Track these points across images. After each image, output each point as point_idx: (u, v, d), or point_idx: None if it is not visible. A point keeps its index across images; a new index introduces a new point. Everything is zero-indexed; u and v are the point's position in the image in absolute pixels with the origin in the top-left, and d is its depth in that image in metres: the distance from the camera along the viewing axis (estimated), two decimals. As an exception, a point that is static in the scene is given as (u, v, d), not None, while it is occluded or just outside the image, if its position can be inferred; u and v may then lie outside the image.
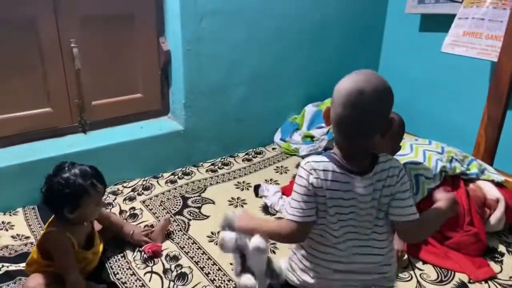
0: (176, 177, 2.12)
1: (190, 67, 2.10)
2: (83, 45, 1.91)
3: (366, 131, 1.01)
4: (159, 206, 1.88)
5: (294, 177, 2.09)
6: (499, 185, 1.74)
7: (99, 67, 2.01)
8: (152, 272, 1.50)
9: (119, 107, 2.12)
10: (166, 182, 2.07)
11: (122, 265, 1.52)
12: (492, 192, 1.68)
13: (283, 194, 1.94)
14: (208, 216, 1.82)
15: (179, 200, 1.93)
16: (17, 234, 1.67)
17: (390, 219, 1.07)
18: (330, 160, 1.04)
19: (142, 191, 1.99)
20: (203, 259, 1.57)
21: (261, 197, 1.96)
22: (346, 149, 1.04)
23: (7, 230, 1.69)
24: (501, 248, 1.64)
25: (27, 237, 1.66)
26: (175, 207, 1.88)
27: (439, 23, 2.27)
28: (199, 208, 1.88)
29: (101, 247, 1.48)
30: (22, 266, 1.49)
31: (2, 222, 1.73)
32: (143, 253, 1.56)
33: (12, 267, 1.48)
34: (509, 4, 1.85)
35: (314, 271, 1.10)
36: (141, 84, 2.15)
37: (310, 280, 1.10)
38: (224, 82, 2.21)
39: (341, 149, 1.05)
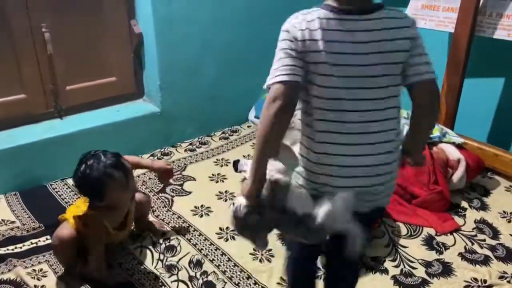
0: (155, 158, 2.17)
1: (163, 49, 2.13)
2: (55, 30, 1.90)
3: None
4: (141, 186, 1.92)
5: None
6: (459, 147, 1.89)
7: (72, 52, 2.00)
8: (142, 246, 1.56)
9: (93, 91, 2.13)
10: (146, 163, 2.11)
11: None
12: (453, 154, 1.83)
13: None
14: (190, 192, 1.89)
15: (161, 179, 1.98)
16: (2, 220, 1.68)
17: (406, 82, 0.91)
18: (318, 8, 0.90)
19: (123, 172, 2.03)
20: (189, 231, 1.64)
21: (240, 171, 2.03)
22: None
23: (-9, 217, 1.70)
24: (464, 203, 1.80)
25: (13, 222, 1.67)
26: (157, 186, 1.92)
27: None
28: (181, 185, 1.94)
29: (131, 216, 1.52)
30: (11, 249, 1.52)
31: (-15, 209, 1.74)
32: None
33: (1, 250, 1.51)
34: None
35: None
36: (115, 67, 2.16)
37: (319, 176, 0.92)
38: (198, 62, 2.25)
39: None
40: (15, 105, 1.93)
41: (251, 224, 0.90)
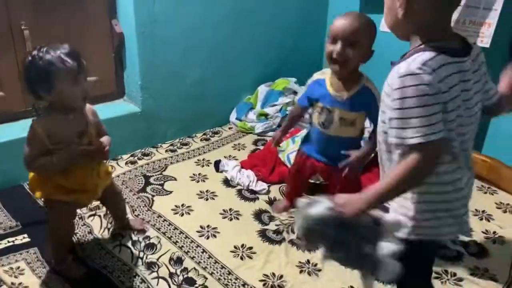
0: (136, 158, 2.16)
1: (145, 49, 2.13)
2: (35, 28, 1.89)
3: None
4: (121, 185, 1.91)
5: (252, 152, 2.21)
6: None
7: (52, 50, 1.99)
8: (121, 245, 1.55)
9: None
10: (126, 163, 2.10)
11: (90, 241, 1.57)
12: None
13: (242, 167, 2.04)
14: (171, 192, 1.89)
15: (141, 178, 1.98)
16: (-23, 219, 1.65)
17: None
18: (437, 51, 0.86)
19: (103, 172, 2.02)
20: (169, 229, 1.65)
21: (221, 171, 2.05)
22: (442, 26, 0.90)
23: (-35, 216, 1.66)
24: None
25: (-11, 221, 1.64)
26: (138, 185, 1.92)
27: (378, 4, 2.44)
28: (162, 185, 1.94)
29: (108, 168, 1.45)
30: (-14, 247, 1.50)
31: (-41, 208, 1.70)
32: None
33: (-24, 249, 1.48)
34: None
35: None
36: (96, 67, 2.14)
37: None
38: (179, 63, 2.26)
39: (435, 30, 0.90)
40: (-8, 103, 1.91)
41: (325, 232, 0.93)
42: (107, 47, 2.17)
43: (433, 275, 1.45)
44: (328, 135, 1.53)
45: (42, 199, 1.35)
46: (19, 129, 1.93)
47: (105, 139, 1.37)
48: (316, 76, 1.60)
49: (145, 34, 2.10)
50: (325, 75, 1.55)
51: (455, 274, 1.47)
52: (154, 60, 2.18)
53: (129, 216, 1.67)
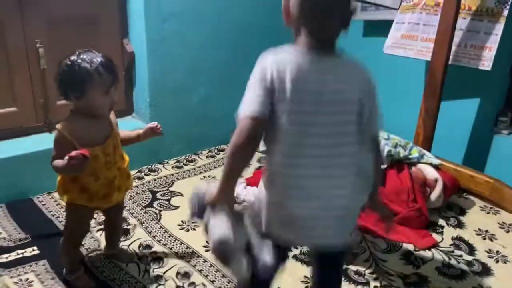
0: (143, 174, 2.20)
1: (154, 67, 2.20)
2: (49, 46, 1.96)
3: (336, 19, 0.95)
4: (128, 200, 1.94)
5: (257, 169, 2.24)
6: (436, 168, 1.99)
7: (64, 68, 2.05)
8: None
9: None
10: (133, 179, 2.13)
11: (98, 254, 1.59)
12: (431, 173, 1.92)
13: (247, 184, 2.07)
14: (178, 207, 1.92)
15: (148, 194, 2.01)
16: (-13, 231, 1.68)
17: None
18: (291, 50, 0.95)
19: (110, 187, 2.05)
20: (176, 244, 1.67)
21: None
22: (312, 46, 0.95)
23: (-24, 228, 1.69)
24: (441, 221, 1.87)
25: (-1, 233, 1.67)
26: (145, 200, 1.95)
27: (380, 28, 2.52)
28: (169, 200, 1.97)
29: (123, 165, 1.43)
30: (-4, 259, 1.52)
31: (-30, 221, 1.73)
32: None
33: (-13, 260, 1.51)
34: (439, 11, 2.12)
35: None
36: (106, 84, 2.21)
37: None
38: (187, 81, 2.32)
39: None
40: (5, 117, 1.96)
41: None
42: (118, 65, 2.22)
43: (437, 292, 1.47)
44: None
45: (65, 203, 1.37)
46: (31, 144, 1.98)
47: (125, 134, 1.48)
48: None
49: (154, 52, 2.17)
50: None
51: (458, 292, 1.48)
52: (162, 79, 2.24)
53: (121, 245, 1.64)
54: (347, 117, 0.95)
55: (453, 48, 2.06)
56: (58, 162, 1.25)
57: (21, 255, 1.55)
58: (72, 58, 1.25)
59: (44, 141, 2.00)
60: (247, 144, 0.91)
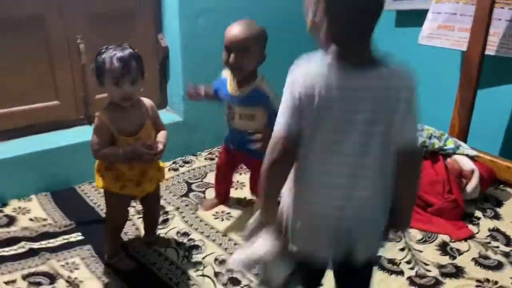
0: (177, 165, 2.26)
1: (188, 62, 2.25)
2: (89, 41, 2.03)
3: (368, 18, 0.90)
4: (164, 190, 2.00)
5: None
6: (472, 159, 1.96)
7: (103, 62, 2.12)
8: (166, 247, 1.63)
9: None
10: (169, 170, 2.20)
11: (139, 240, 1.66)
12: (467, 165, 1.89)
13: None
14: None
15: (184, 185, 2.07)
16: (34, 217, 1.77)
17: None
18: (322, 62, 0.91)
19: (147, 178, 2.12)
20: (212, 232, 1.72)
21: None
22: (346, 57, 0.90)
23: (24, 214, 1.78)
24: (477, 213, 1.85)
25: (45, 219, 1.76)
26: (181, 191, 2.01)
27: (412, 18, 2.48)
28: (203, 192, 2.02)
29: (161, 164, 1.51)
30: (43, 244, 1.61)
31: (19, 207, 1.82)
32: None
33: (36, 245, 1.59)
34: (475, 1, 2.08)
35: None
36: (142, 78, 2.28)
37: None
38: (219, 75, 2.36)
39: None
40: (48, 111, 2.05)
41: None
42: (153, 60, 2.29)
43: (475, 283, 1.47)
44: (234, 128, 1.71)
45: (100, 188, 1.45)
46: (72, 135, 2.06)
47: (161, 136, 1.47)
48: (223, 73, 1.75)
49: (188, 48, 2.21)
50: (227, 73, 1.71)
51: (496, 283, 1.47)
52: (196, 73, 2.28)
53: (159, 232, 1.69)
54: (375, 129, 0.90)
55: (493, 38, 2.02)
56: (112, 150, 1.34)
57: (66, 240, 1.64)
58: (102, 49, 1.34)
59: (84, 133, 2.08)
60: (282, 160, 0.92)
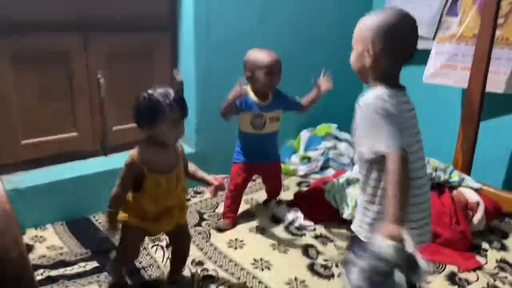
0: (189, 196, 2.31)
1: (202, 95, 2.35)
2: (108, 76, 2.13)
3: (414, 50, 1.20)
4: (177, 220, 2.05)
5: (295, 194, 2.30)
6: (476, 191, 2.02)
7: (121, 96, 2.21)
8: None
9: (136, 132, 2.30)
10: (180, 200, 2.25)
11: (153, 270, 1.69)
12: (472, 197, 1.95)
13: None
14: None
15: (196, 215, 2.11)
16: (51, 245, 1.80)
17: None
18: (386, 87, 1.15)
19: (160, 208, 2.17)
20: (225, 262, 1.75)
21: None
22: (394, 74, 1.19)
23: (40, 243, 1.82)
24: (484, 245, 1.89)
25: (61, 247, 1.79)
26: (193, 220, 2.05)
27: (416, 58, 2.60)
28: (216, 222, 2.06)
29: (183, 195, 1.54)
30: (61, 271, 1.64)
31: (35, 236, 1.86)
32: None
33: (53, 272, 1.62)
34: (474, 42, 2.20)
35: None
36: (156, 111, 2.37)
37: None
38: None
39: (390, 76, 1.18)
40: (66, 142, 2.12)
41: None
42: (167, 94, 2.39)
43: None
44: (262, 134, 1.97)
45: (120, 221, 1.47)
46: (89, 166, 2.13)
47: (193, 168, 1.61)
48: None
49: (202, 82, 2.32)
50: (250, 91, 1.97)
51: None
52: (208, 106, 2.37)
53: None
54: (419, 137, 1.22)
55: (493, 76, 2.13)
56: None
57: (83, 268, 1.67)
58: (149, 91, 1.38)
59: (100, 164, 2.15)
60: (407, 171, 1.08)
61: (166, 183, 1.43)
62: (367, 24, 1.17)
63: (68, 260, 1.71)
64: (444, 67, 2.33)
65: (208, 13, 2.26)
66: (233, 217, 2.03)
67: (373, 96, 1.13)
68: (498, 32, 2.14)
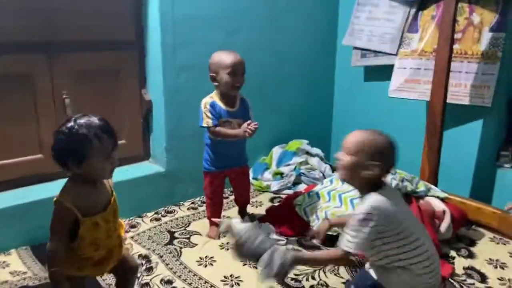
0: (160, 215, 2.28)
1: (170, 115, 2.34)
2: (74, 96, 2.11)
3: None
4: (147, 240, 2.01)
5: (268, 209, 2.30)
6: (443, 201, 2.06)
7: (88, 116, 2.20)
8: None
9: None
10: (151, 220, 2.22)
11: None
12: (439, 205, 1.99)
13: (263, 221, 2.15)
14: (196, 244, 1.98)
15: (166, 234, 2.08)
16: (14, 271, 1.74)
17: None
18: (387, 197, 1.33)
19: (129, 228, 2.13)
20: (194, 279, 1.72)
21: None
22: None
23: (3, 268, 1.76)
24: (452, 253, 1.92)
25: (25, 273, 1.73)
26: (164, 240, 2.02)
27: (379, 73, 2.69)
28: (188, 238, 2.04)
29: (121, 231, 1.36)
30: (24, 298, 1.58)
31: (-2, 262, 1.80)
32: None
33: (15, 298, 1.56)
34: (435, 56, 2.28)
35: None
36: (125, 131, 2.35)
37: None
38: (200, 129, 2.45)
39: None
40: (31, 164, 2.08)
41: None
42: (136, 113, 2.38)
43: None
44: (231, 140, 1.98)
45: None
46: (55, 189, 2.05)
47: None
48: (207, 100, 1.99)
49: (171, 101, 2.32)
50: (213, 98, 1.99)
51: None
52: (178, 125, 2.38)
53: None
54: None
55: (455, 88, 2.22)
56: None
57: (47, 293, 1.61)
58: (69, 125, 1.18)
59: (67, 186, 2.10)
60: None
61: (104, 223, 1.25)
62: (364, 141, 1.35)
63: (32, 286, 1.65)
64: (408, 81, 2.41)
65: (175, 37, 2.27)
66: (214, 225, 2.05)
67: (371, 207, 1.30)
68: (456, 46, 2.23)
